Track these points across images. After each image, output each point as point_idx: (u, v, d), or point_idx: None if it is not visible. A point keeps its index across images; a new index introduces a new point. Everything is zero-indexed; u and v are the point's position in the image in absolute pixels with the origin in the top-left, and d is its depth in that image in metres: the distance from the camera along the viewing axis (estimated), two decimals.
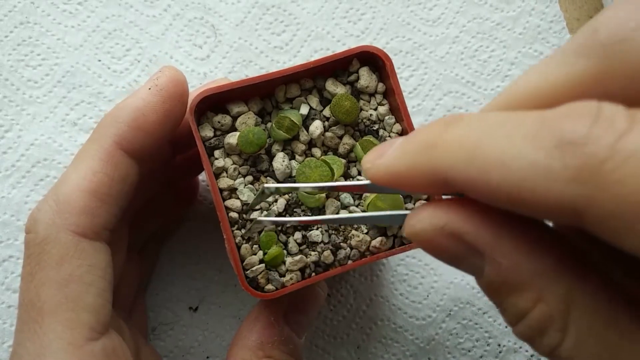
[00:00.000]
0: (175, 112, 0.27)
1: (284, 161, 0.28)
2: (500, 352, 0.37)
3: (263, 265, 0.27)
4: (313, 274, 0.28)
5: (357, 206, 0.29)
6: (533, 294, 0.16)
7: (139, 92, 0.27)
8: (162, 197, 0.34)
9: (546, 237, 0.16)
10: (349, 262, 0.28)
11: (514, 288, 0.16)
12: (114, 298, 0.28)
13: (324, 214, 0.29)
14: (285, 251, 0.28)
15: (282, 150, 0.29)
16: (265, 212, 0.28)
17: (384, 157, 0.18)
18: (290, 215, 0.28)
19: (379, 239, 0.28)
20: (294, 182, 0.28)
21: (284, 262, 0.28)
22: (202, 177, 0.37)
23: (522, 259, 0.16)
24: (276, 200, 0.28)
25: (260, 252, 0.28)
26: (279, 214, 0.28)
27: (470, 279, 0.37)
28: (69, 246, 0.24)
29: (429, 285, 0.37)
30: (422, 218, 0.17)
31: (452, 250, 0.17)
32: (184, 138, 0.29)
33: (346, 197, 0.29)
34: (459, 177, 0.15)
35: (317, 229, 0.28)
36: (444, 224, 0.17)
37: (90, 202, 0.25)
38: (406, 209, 0.29)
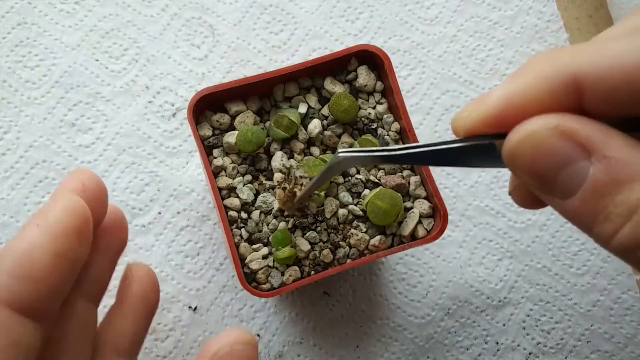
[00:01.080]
0: (72, 250, 0.21)
1: (282, 160, 0.28)
2: (498, 350, 0.37)
3: (266, 261, 0.27)
4: (312, 272, 0.28)
5: (355, 205, 0.29)
6: None
7: (24, 230, 0.21)
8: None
9: None
10: (348, 260, 0.28)
11: (624, 182, 0.16)
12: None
13: (323, 212, 0.29)
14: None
15: (280, 149, 0.29)
16: (262, 213, 0.28)
17: (492, 93, 0.18)
18: (291, 214, 0.28)
19: (378, 237, 0.28)
20: None
21: (292, 263, 0.28)
22: (202, 176, 0.37)
23: (632, 152, 0.16)
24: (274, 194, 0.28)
25: (265, 249, 0.28)
26: (279, 214, 0.28)
27: (469, 278, 0.37)
28: None
29: (428, 284, 0.37)
30: (536, 121, 0.17)
31: (562, 152, 0.17)
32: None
33: (345, 196, 0.29)
34: (592, 70, 0.16)
35: (317, 228, 0.28)
36: (558, 123, 0.17)
37: (27, 282, 0.20)
38: (405, 207, 0.29)
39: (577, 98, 0.17)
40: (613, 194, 0.16)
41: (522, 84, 0.17)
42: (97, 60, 0.39)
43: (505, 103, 0.18)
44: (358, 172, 0.29)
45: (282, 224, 0.28)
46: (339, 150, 0.22)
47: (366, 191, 0.29)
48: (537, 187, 0.18)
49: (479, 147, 0.19)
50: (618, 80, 0.16)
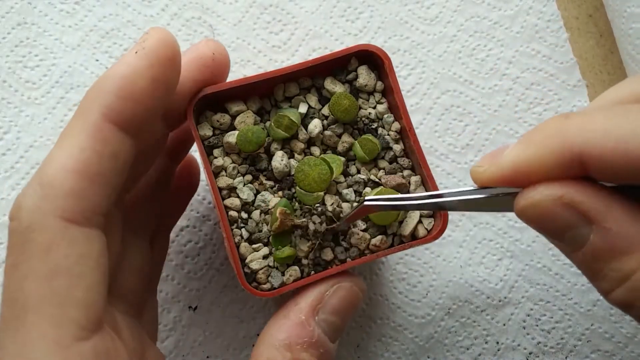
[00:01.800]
0: (166, 76, 0.24)
1: (282, 160, 0.28)
2: (498, 350, 0.37)
3: (266, 261, 0.27)
4: (312, 272, 0.28)
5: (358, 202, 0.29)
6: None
7: (124, 57, 0.23)
8: (162, 183, 0.32)
9: None
10: (348, 260, 0.28)
11: (619, 252, 0.18)
12: (115, 291, 0.26)
13: (323, 211, 0.29)
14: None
15: (281, 149, 0.29)
16: (262, 212, 0.28)
17: (504, 155, 0.20)
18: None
19: (379, 237, 0.28)
20: (293, 180, 0.28)
21: (291, 262, 0.28)
22: (202, 176, 0.37)
23: (630, 224, 0.18)
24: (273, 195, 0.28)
25: (265, 249, 0.28)
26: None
27: (469, 277, 0.37)
28: (57, 233, 0.21)
29: (428, 283, 0.37)
30: (541, 190, 0.19)
31: (564, 219, 0.19)
32: (174, 111, 0.27)
33: (348, 194, 0.29)
34: (596, 150, 0.18)
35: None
36: (562, 194, 0.19)
37: (79, 184, 0.21)
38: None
39: (582, 168, 0.18)
40: (610, 260, 0.19)
41: (532, 153, 0.19)
42: (97, 60, 0.39)
43: (515, 169, 0.20)
44: (359, 172, 0.29)
45: None
46: (366, 198, 0.25)
47: (367, 189, 0.29)
48: (546, 237, 0.21)
49: (495, 199, 0.22)
50: (621, 164, 0.17)
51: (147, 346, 0.27)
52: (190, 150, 0.37)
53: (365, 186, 0.29)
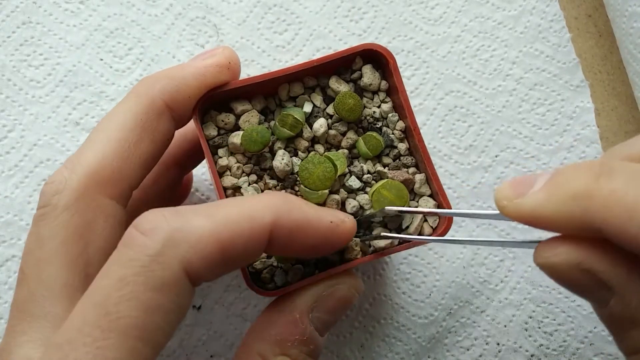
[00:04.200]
0: (328, 251, 0.26)
1: (283, 159, 0.28)
2: (499, 352, 0.37)
3: (270, 260, 0.27)
4: (316, 271, 0.28)
5: (364, 191, 0.29)
6: None
7: (322, 218, 0.25)
8: (168, 191, 0.33)
9: None
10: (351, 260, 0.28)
11: (638, 324, 0.18)
12: None
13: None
14: None
15: (284, 148, 0.29)
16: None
17: (527, 198, 0.19)
18: None
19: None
20: (296, 178, 0.28)
21: (293, 262, 0.28)
22: (206, 175, 0.37)
23: None
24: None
25: None
26: None
27: (471, 279, 0.37)
28: (176, 278, 0.21)
29: (432, 284, 0.37)
30: (559, 253, 0.19)
31: (582, 284, 0.19)
32: (184, 113, 0.28)
33: (352, 185, 0.29)
34: (616, 232, 0.17)
35: None
36: (580, 261, 0.18)
37: (216, 257, 0.22)
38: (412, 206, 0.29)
39: (601, 235, 0.18)
40: (629, 328, 0.18)
41: (552, 210, 0.19)
42: (101, 59, 0.39)
43: (535, 218, 0.19)
44: (362, 169, 0.29)
45: None
46: (387, 208, 0.27)
47: (372, 181, 0.29)
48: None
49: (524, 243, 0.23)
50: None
51: None
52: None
53: (371, 179, 0.29)
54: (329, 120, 0.29)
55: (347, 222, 0.26)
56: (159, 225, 0.21)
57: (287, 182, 0.28)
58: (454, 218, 0.37)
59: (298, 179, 0.28)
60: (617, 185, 0.17)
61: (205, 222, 0.22)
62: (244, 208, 0.23)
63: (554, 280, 0.19)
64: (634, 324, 0.18)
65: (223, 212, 0.22)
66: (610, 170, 0.18)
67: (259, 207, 0.23)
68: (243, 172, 0.28)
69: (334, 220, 0.25)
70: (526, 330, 0.37)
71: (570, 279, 0.19)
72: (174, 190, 0.33)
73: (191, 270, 0.21)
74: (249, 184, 0.28)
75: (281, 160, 0.28)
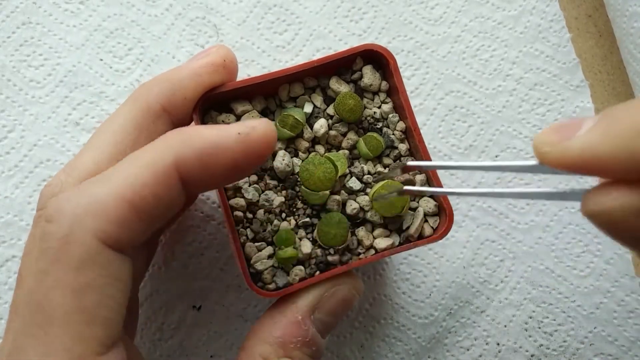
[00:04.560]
0: (248, 167, 0.24)
1: (283, 160, 0.28)
2: (499, 352, 0.37)
3: (271, 261, 0.27)
4: (317, 272, 0.28)
5: (365, 192, 0.29)
6: None
7: (226, 129, 0.24)
8: None
9: None
10: (352, 260, 0.28)
11: None
12: None
13: (324, 210, 0.29)
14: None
15: (285, 149, 0.29)
16: (266, 211, 0.28)
17: (576, 139, 0.17)
18: (289, 210, 0.29)
19: (387, 239, 0.28)
20: (297, 179, 0.28)
21: (294, 263, 0.28)
22: None
23: None
24: (276, 194, 0.28)
25: (269, 248, 0.28)
26: (279, 212, 0.28)
27: (471, 279, 0.37)
28: (93, 251, 0.21)
29: (432, 284, 0.37)
30: (616, 197, 0.17)
31: None
32: (183, 116, 0.28)
33: (352, 187, 0.29)
34: None
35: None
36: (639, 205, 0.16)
37: (128, 216, 0.22)
38: (411, 207, 0.29)
39: None
40: None
41: (610, 149, 0.16)
42: (101, 59, 0.39)
43: (586, 160, 0.17)
44: (362, 170, 0.29)
45: (284, 224, 0.28)
46: (408, 162, 0.25)
47: (372, 182, 0.29)
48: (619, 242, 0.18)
49: (561, 194, 0.20)
50: None
51: (128, 344, 0.28)
52: None
53: (372, 178, 0.29)
54: (330, 121, 0.29)
55: (257, 127, 0.24)
56: (61, 207, 0.22)
57: (288, 182, 0.28)
58: (454, 218, 0.37)
59: (299, 179, 0.28)
60: None
61: (105, 188, 0.22)
62: (141, 159, 0.23)
63: (608, 230, 0.17)
64: None
65: (120, 171, 0.22)
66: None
67: (156, 153, 0.23)
68: None
69: (241, 130, 0.23)
70: (526, 330, 0.37)
71: (628, 227, 0.16)
72: None
73: (108, 238, 0.21)
74: (250, 184, 0.28)
75: (282, 160, 0.28)
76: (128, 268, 0.23)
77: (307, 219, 0.28)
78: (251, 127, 0.24)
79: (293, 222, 0.28)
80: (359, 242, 0.28)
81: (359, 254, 0.28)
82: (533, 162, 0.19)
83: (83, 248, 0.21)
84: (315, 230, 0.28)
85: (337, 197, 0.28)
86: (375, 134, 0.29)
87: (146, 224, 0.23)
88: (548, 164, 0.18)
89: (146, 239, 0.24)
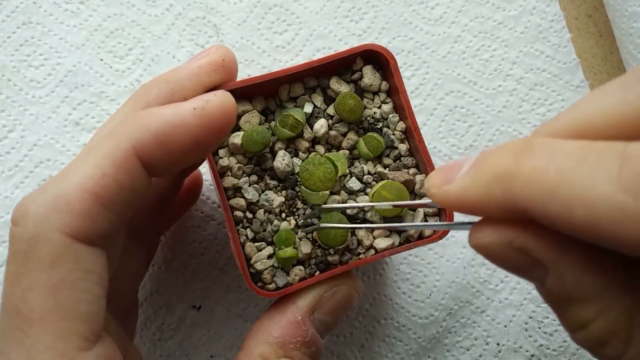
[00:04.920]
0: (210, 142, 0.24)
1: (284, 159, 0.28)
2: (499, 352, 0.37)
3: (271, 261, 0.27)
4: (317, 272, 0.28)
5: (365, 193, 0.29)
6: (596, 307, 0.17)
7: (181, 106, 0.23)
8: (169, 196, 0.33)
9: (608, 253, 0.17)
10: (352, 260, 0.28)
11: (576, 300, 0.17)
12: (109, 294, 0.28)
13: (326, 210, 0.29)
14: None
15: (285, 149, 0.29)
16: (266, 211, 0.28)
17: (453, 184, 0.19)
18: (289, 210, 0.29)
19: (387, 239, 0.28)
20: (297, 179, 0.28)
21: (294, 263, 0.28)
22: (207, 176, 0.37)
23: (585, 275, 0.17)
24: (276, 193, 0.28)
25: (269, 248, 0.28)
26: (279, 212, 0.28)
27: (471, 279, 0.37)
28: (62, 248, 0.21)
29: (432, 284, 0.37)
30: (490, 233, 0.18)
31: (517, 263, 0.18)
32: None
33: (352, 187, 0.29)
34: (539, 211, 0.16)
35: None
36: (511, 239, 0.18)
37: (92, 207, 0.22)
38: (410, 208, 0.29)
39: (528, 217, 0.17)
40: (567, 305, 0.17)
41: (477, 194, 0.18)
42: (101, 59, 0.39)
43: (462, 203, 0.19)
44: (362, 170, 0.29)
45: (284, 224, 0.28)
46: (322, 206, 0.27)
47: (372, 182, 0.29)
48: None
49: (456, 226, 0.22)
50: (568, 228, 0.16)
51: (127, 345, 0.28)
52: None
53: (372, 179, 0.29)
54: (330, 121, 0.29)
55: (212, 99, 0.23)
56: (25, 208, 0.22)
57: (288, 182, 0.28)
58: (454, 219, 0.37)
59: (299, 179, 0.28)
60: (537, 163, 0.16)
61: (66, 183, 0.22)
62: (99, 149, 0.23)
63: (491, 261, 0.19)
64: (572, 301, 0.17)
65: (80, 164, 0.22)
66: (530, 147, 0.17)
67: (114, 141, 0.23)
68: (244, 172, 0.28)
69: (197, 104, 0.23)
70: (526, 330, 0.37)
71: (505, 259, 0.18)
72: (173, 193, 0.33)
73: (76, 232, 0.21)
74: (250, 185, 0.28)
75: (282, 160, 0.28)
76: (101, 260, 0.23)
77: (308, 220, 0.28)
78: (206, 101, 0.23)
79: (293, 222, 0.28)
80: (359, 242, 0.28)
81: (359, 254, 0.28)
82: (429, 200, 0.22)
83: (51, 246, 0.21)
84: (315, 231, 0.28)
85: (337, 197, 0.28)
86: (375, 134, 0.29)
87: (113, 213, 0.22)
88: (437, 204, 0.20)
89: (119, 227, 0.24)
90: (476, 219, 0.19)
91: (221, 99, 0.24)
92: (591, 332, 0.17)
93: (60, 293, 0.21)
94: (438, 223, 0.23)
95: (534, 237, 0.17)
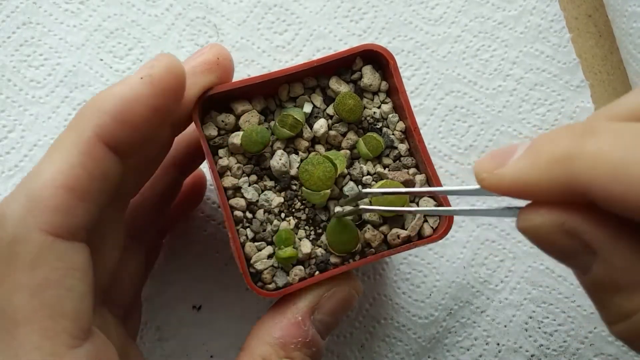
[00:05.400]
0: (167, 106, 0.24)
1: (280, 159, 0.28)
2: (499, 352, 0.37)
3: (271, 261, 0.27)
4: (317, 272, 0.28)
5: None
6: None
7: (128, 79, 0.23)
8: (168, 195, 0.33)
9: None
10: (352, 260, 0.28)
11: (622, 288, 0.17)
12: (110, 294, 0.27)
13: (327, 211, 0.29)
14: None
15: (284, 148, 0.29)
16: (266, 211, 0.28)
17: (507, 167, 0.19)
18: (289, 210, 0.29)
19: (394, 231, 0.28)
20: (291, 178, 0.28)
21: (294, 263, 0.28)
22: (207, 176, 0.37)
23: (636, 262, 0.17)
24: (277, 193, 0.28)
25: (269, 248, 0.28)
26: (278, 212, 0.29)
27: (471, 279, 0.37)
28: (43, 247, 0.21)
29: (432, 284, 0.37)
30: (542, 214, 0.18)
31: (565, 247, 0.18)
32: (180, 117, 0.28)
33: (352, 189, 0.29)
34: (602, 192, 0.16)
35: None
36: (564, 221, 0.17)
37: (66, 200, 0.22)
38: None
39: (589, 199, 0.17)
40: (612, 293, 0.17)
41: (536, 176, 0.18)
42: (101, 59, 0.39)
43: (516, 186, 0.18)
44: (362, 170, 0.29)
45: (284, 224, 0.28)
46: (363, 190, 0.26)
47: (372, 182, 0.29)
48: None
49: (498, 211, 0.21)
50: (630, 208, 0.16)
51: (128, 344, 0.28)
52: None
53: (371, 179, 0.29)
54: (329, 121, 0.29)
55: (157, 64, 0.23)
56: (1, 213, 0.22)
57: (283, 182, 0.28)
58: (455, 218, 0.37)
59: (294, 179, 0.28)
60: (601, 145, 0.16)
61: (38, 180, 0.22)
62: (64, 142, 0.22)
63: (537, 244, 0.19)
64: (618, 289, 0.17)
65: (48, 160, 0.22)
66: (593, 130, 0.17)
67: (76, 130, 0.23)
68: (243, 172, 0.28)
69: (143, 73, 0.23)
70: (526, 330, 0.37)
71: (553, 243, 0.18)
72: (173, 193, 0.33)
73: (55, 228, 0.21)
74: (249, 184, 0.28)
75: (279, 160, 0.28)
76: (84, 256, 0.23)
77: (318, 229, 0.28)
78: (150, 67, 0.23)
79: (293, 222, 0.28)
80: (368, 243, 0.28)
81: (367, 255, 0.28)
82: (476, 186, 0.21)
83: (31, 246, 0.21)
84: (326, 240, 0.28)
85: (336, 201, 0.28)
86: (375, 134, 0.29)
87: (90, 203, 0.22)
88: (487, 189, 0.20)
89: (99, 217, 0.23)
90: (518, 204, 0.19)
91: (166, 61, 0.24)
92: (634, 322, 0.17)
93: (45, 292, 0.21)
94: (479, 209, 0.22)
95: (587, 219, 0.17)
